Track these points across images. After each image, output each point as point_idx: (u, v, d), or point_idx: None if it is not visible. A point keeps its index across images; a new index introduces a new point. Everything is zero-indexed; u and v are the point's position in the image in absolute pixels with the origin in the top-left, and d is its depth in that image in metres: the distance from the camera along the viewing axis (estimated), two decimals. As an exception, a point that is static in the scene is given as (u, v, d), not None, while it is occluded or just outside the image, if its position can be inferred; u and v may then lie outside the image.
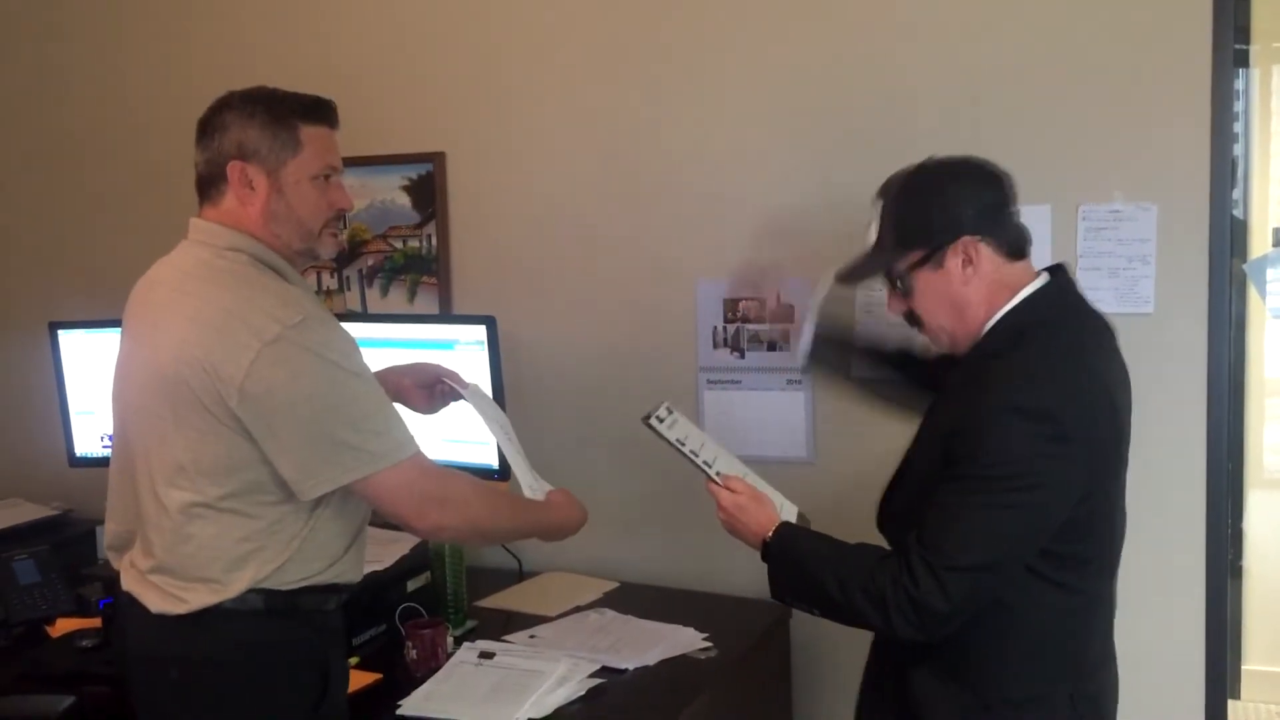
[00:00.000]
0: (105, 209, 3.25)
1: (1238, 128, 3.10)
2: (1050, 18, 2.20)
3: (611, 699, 2.01)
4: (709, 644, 2.21)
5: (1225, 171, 2.13)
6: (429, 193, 2.82)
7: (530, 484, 1.99)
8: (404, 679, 2.10)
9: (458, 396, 2.09)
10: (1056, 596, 1.60)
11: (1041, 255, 2.07)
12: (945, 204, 1.63)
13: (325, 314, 1.71)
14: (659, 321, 2.61)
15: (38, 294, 3.32)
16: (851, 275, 1.76)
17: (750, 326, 2.53)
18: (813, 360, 2.16)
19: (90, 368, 2.81)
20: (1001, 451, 1.51)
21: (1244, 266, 2.71)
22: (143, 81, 3.15)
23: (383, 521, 1.80)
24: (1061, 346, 1.58)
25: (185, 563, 1.67)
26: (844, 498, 2.18)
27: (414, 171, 2.83)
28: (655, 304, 2.61)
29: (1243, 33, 2.29)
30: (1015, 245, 1.65)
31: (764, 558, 1.74)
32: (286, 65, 2.84)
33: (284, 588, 1.69)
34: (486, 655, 2.14)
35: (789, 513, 1.83)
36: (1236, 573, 3.62)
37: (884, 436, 1.94)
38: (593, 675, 2.06)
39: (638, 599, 2.48)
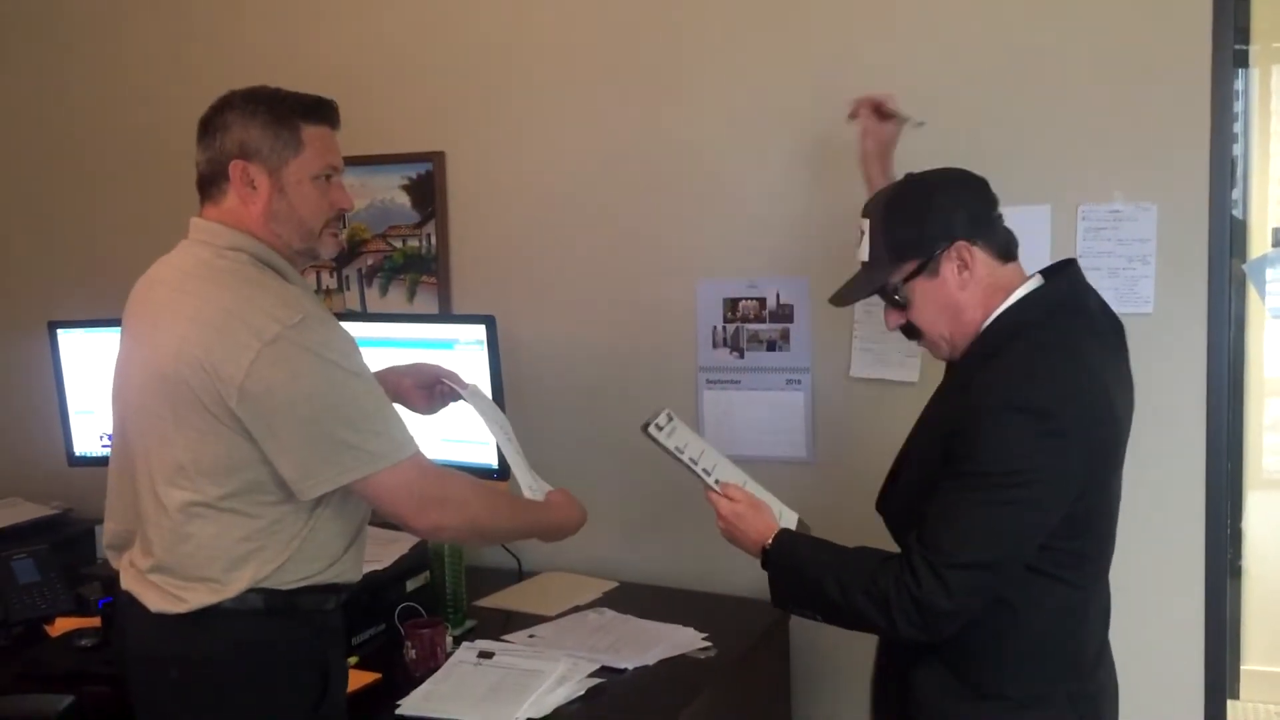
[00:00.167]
0: (105, 209, 3.25)
1: (1237, 128, 3.09)
2: (1050, 18, 2.20)
3: (611, 699, 2.01)
4: (709, 644, 2.21)
5: (1225, 171, 2.13)
6: (429, 192, 2.82)
7: (530, 484, 1.99)
8: (403, 679, 2.10)
9: (457, 397, 2.09)
10: (1057, 594, 1.60)
11: (1041, 255, 2.07)
12: (935, 212, 1.64)
13: (325, 314, 1.71)
14: (659, 321, 2.61)
15: (37, 294, 3.32)
16: (847, 296, 1.76)
17: (750, 326, 2.53)
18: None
19: (90, 367, 2.81)
20: (1000, 449, 1.52)
21: (1244, 266, 2.71)
22: (143, 81, 3.15)
23: (382, 521, 1.80)
24: (1057, 344, 1.59)
25: (185, 562, 1.67)
26: (843, 498, 2.19)
27: (414, 171, 2.83)
28: (655, 304, 2.61)
29: (1242, 33, 2.29)
30: (1005, 248, 1.66)
31: (764, 565, 1.74)
32: (287, 65, 2.84)
33: (284, 587, 1.69)
34: (486, 655, 2.14)
35: (789, 520, 1.84)
36: (1236, 573, 3.62)
37: (884, 436, 1.94)
38: (592, 675, 2.06)
39: (637, 599, 2.48)
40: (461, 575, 2.36)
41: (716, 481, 1.83)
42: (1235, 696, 3.69)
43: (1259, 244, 3.48)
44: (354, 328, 1.76)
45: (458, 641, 2.22)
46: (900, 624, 1.55)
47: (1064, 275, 1.68)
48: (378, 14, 2.83)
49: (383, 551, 2.31)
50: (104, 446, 2.78)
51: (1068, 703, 1.63)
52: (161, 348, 1.66)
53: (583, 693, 2.00)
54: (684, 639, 2.23)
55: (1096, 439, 1.56)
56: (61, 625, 2.43)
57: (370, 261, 2.92)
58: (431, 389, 2.09)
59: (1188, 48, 2.11)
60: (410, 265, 2.87)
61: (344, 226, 2.22)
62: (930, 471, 1.60)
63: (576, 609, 2.44)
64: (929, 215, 1.64)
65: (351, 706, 1.89)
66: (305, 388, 1.61)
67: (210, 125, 1.74)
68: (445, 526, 1.78)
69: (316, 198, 1.75)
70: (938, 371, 1.82)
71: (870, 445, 2.21)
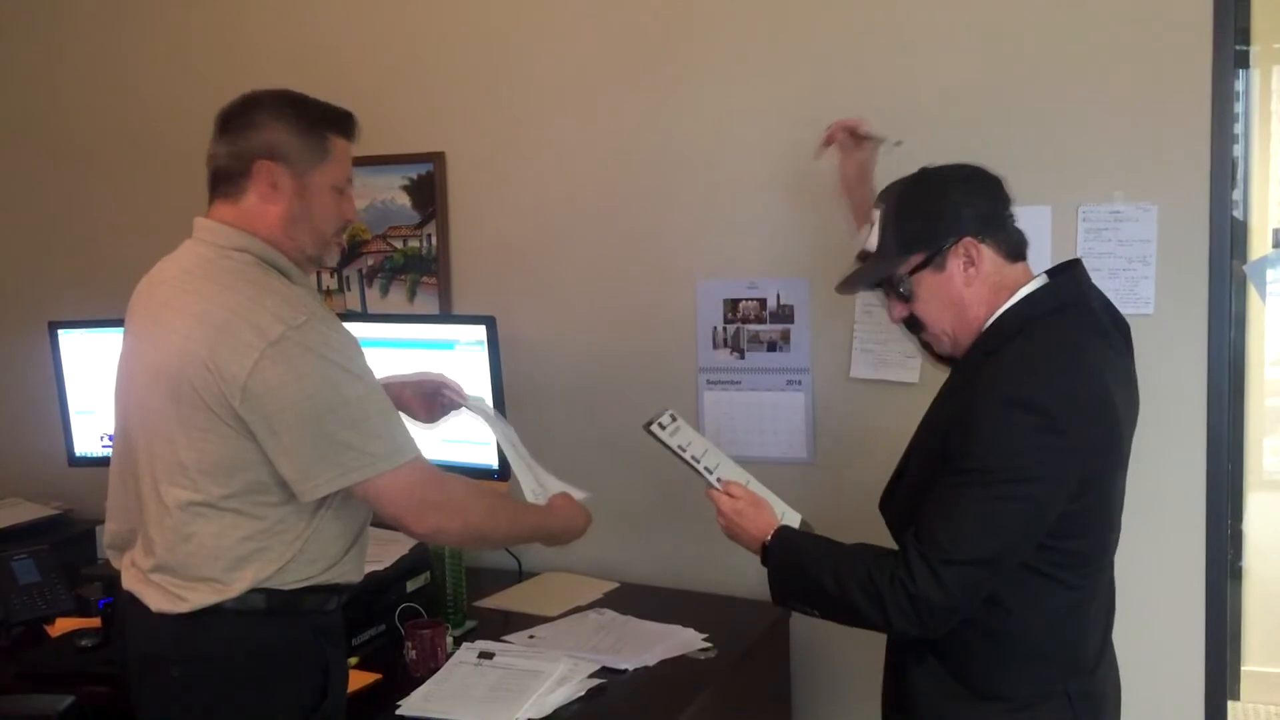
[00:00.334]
0: (105, 209, 3.25)
1: (1238, 129, 3.10)
2: (1051, 18, 2.20)
3: (611, 699, 2.01)
4: (709, 644, 2.21)
5: (1225, 172, 2.13)
6: (429, 193, 2.82)
7: (534, 489, 1.99)
8: (403, 679, 2.10)
9: (459, 407, 2.09)
10: (1055, 594, 1.60)
11: (1042, 256, 2.07)
12: (946, 207, 1.64)
13: (329, 315, 1.71)
14: (659, 322, 2.61)
15: (37, 294, 3.32)
16: (852, 283, 1.77)
17: (750, 327, 2.53)
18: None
19: (90, 367, 2.82)
20: (997, 445, 1.52)
21: (1244, 267, 2.71)
22: (144, 81, 3.15)
23: (383, 522, 1.80)
24: (1059, 343, 1.59)
25: (186, 562, 1.67)
26: (844, 498, 2.19)
27: (414, 171, 2.83)
28: (655, 304, 2.61)
29: (1243, 34, 2.30)
30: (1014, 248, 1.67)
31: (763, 561, 1.74)
32: (288, 65, 2.85)
33: (285, 588, 1.69)
34: (486, 655, 2.14)
35: (792, 520, 1.83)
36: (1236, 574, 3.62)
37: (884, 437, 1.94)
38: (592, 675, 2.06)
39: (638, 599, 2.48)
40: (462, 576, 2.37)
41: (718, 479, 1.83)
42: (1235, 697, 3.70)
43: (1259, 245, 3.49)
44: (354, 328, 1.76)
45: (458, 642, 2.22)
46: (895, 619, 1.55)
47: (1068, 275, 1.69)
48: (379, 14, 2.83)
49: (383, 552, 2.31)
50: (104, 447, 2.78)
51: (1066, 702, 1.63)
52: (165, 347, 1.66)
53: (583, 693, 2.00)
54: (684, 639, 2.23)
55: (1095, 438, 1.57)
56: (62, 626, 2.43)
57: (371, 262, 2.92)
58: (433, 399, 2.10)
59: (1188, 48, 2.11)
60: (411, 266, 2.87)
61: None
62: (932, 471, 1.60)
63: (577, 609, 2.44)
64: (940, 210, 1.64)
65: (352, 707, 1.88)
66: (307, 388, 1.61)
67: (235, 121, 1.74)
68: (444, 530, 1.78)
69: (332, 207, 1.78)
70: (938, 373, 1.82)
71: (870, 446, 2.22)
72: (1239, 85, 2.81)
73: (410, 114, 2.81)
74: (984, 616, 1.59)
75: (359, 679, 2.06)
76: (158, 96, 3.11)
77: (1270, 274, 2.84)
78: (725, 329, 2.55)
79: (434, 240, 2.83)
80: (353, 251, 2.91)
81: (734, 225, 2.51)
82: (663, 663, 2.14)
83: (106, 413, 1.84)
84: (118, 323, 1.80)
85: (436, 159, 2.80)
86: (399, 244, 2.88)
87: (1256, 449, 3.71)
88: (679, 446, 1.84)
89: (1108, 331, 1.67)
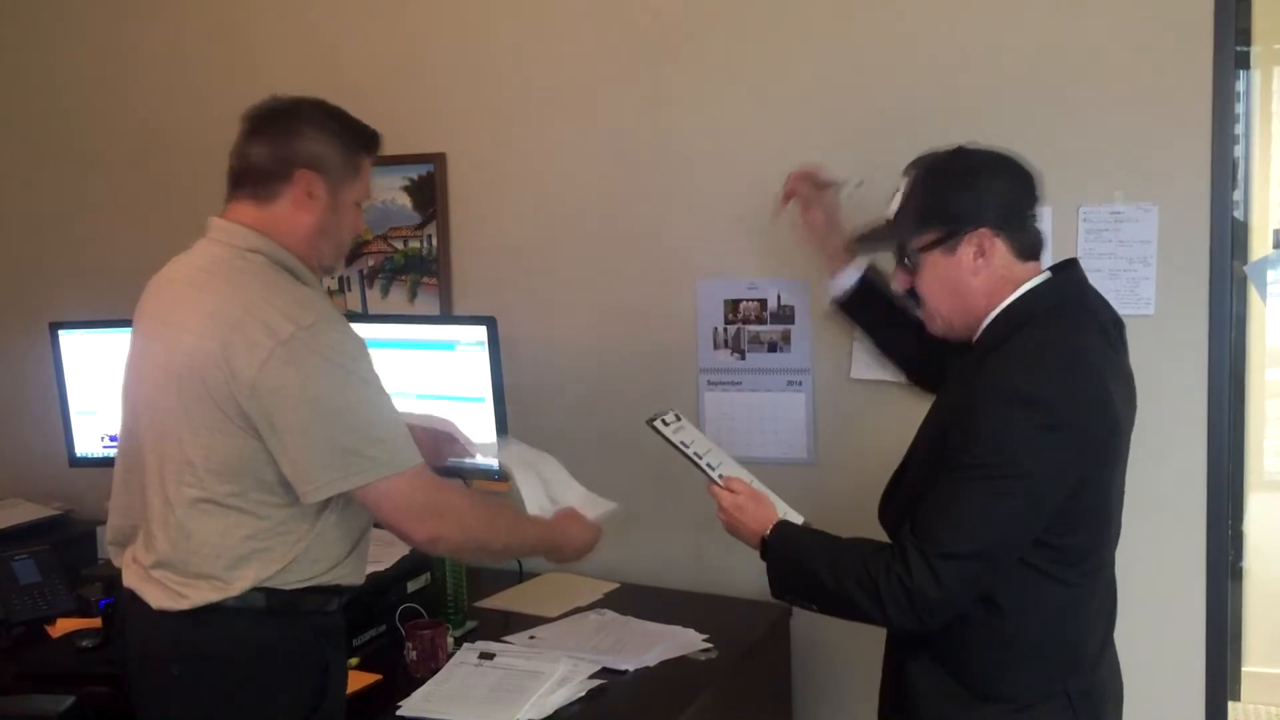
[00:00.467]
0: (105, 208, 3.25)
1: (1238, 129, 3.09)
2: (1051, 19, 2.20)
3: (612, 700, 2.01)
4: (709, 644, 2.21)
5: (1226, 173, 2.13)
6: (429, 193, 2.82)
7: (543, 505, 2.00)
8: (404, 680, 2.10)
9: (465, 457, 2.11)
10: (1054, 593, 1.60)
11: (1043, 257, 2.07)
12: (972, 192, 1.64)
13: (339, 318, 1.73)
14: (660, 322, 2.61)
15: (38, 294, 3.32)
16: (865, 239, 1.79)
17: (750, 328, 2.53)
18: (845, 305, 2.09)
19: (90, 368, 2.81)
20: (995, 439, 1.52)
21: (1245, 268, 2.71)
22: (144, 82, 3.15)
23: (384, 524, 1.81)
24: (1056, 337, 1.59)
25: (188, 558, 1.68)
26: (844, 498, 2.18)
27: (414, 172, 2.83)
28: (655, 305, 2.61)
29: (1244, 34, 2.29)
30: (1029, 247, 1.67)
31: (763, 556, 1.74)
32: (289, 65, 2.85)
33: (286, 588, 1.69)
34: (486, 656, 2.14)
35: (794, 519, 1.83)
36: (1236, 574, 3.61)
37: (884, 437, 1.94)
38: (593, 676, 2.06)
39: (638, 600, 2.48)
40: (462, 576, 2.37)
41: (720, 476, 1.83)
42: (1236, 698, 3.69)
43: (1260, 245, 3.48)
44: (355, 329, 1.77)
45: (458, 642, 2.22)
46: (891, 612, 1.55)
47: (1068, 272, 1.69)
48: (379, 15, 2.83)
49: (384, 552, 2.31)
50: (105, 447, 2.78)
51: (1065, 701, 1.63)
52: (176, 343, 1.67)
53: (583, 694, 2.00)
54: (685, 640, 2.23)
55: (1094, 435, 1.57)
56: (62, 626, 2.43)
57: (371, 263, 2.92)
58: (439, 444, 2.11)
59: (1189, 49, 2.11)
60: (411, 266, 2.87)
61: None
62: (932, 472, 1.60)
63: (577, 610, 2.44)
64: (964, 193, 1.64)
65: (352, 707, 1.89)
66: (312, 390, 1.62)
67: (275, 125, 1.75)
68: (443, 538, 1.78)
69: (353, 221, 1.83)
70: (938, 373, 1.82)
71: (871, 446, 2.21)
72: (1240, 86, 2.81)
73: (410, 114, 2.80)
74: (983, 616, 1.59)
75: (359, 679, 2.06)
76: (158, 96, 3.11)
77: (1271, 274, 2.84)
78: (726, 329, 2.55)
79: (434, 241, 2.83)
80: (353, 252, 2.91)
81: (734, 225, 2.51)
82: (663, 663, 2.14)
83: (107, 413, 1.84)
84: (118, 323, 1.81)
85: (437, 160, 2.80)
86: (399, 245, 2.88)
87: (1257, 449, 3.71)
88: (681, 442, 1.85)
89: (1105, 329, 1.67)
